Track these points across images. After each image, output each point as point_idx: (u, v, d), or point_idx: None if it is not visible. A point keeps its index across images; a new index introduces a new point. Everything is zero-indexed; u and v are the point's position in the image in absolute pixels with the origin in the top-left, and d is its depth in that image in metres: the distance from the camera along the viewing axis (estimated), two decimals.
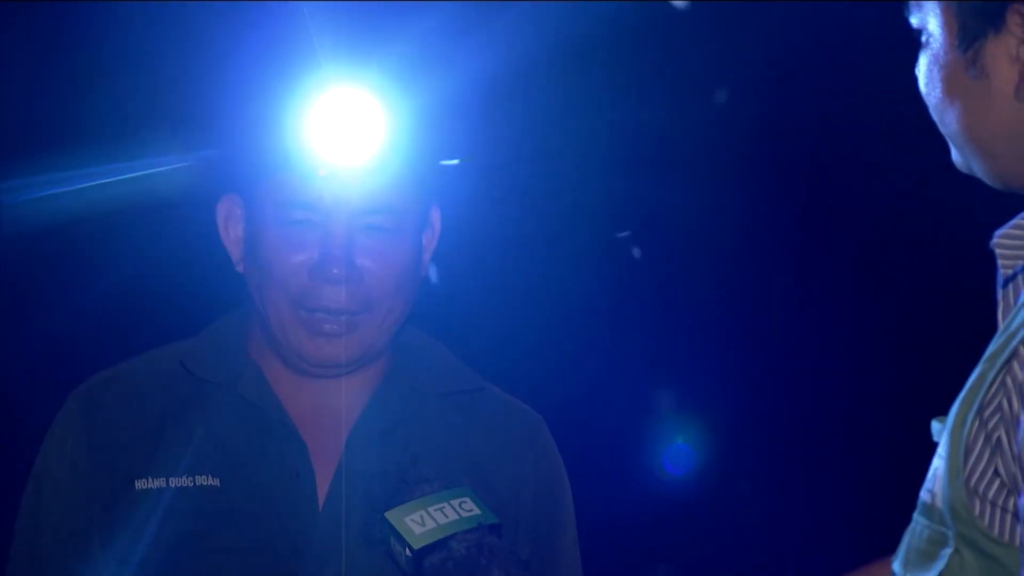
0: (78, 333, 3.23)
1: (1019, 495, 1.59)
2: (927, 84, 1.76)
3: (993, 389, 1.60)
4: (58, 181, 2.85)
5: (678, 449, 3.70)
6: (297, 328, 2.24)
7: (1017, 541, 1.60)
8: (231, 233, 2.31)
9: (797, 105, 3.63)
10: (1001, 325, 1.70)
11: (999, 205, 1.78)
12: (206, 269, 2.65)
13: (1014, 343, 1.60)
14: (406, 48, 2.38)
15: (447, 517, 2.22)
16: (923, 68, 1.77)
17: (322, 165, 2.19)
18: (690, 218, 3.85)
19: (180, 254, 3.20)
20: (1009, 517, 1.61)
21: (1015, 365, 1.59)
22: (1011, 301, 1.71)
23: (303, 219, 2.22)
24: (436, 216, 2.34)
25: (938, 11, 1.73)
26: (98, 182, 2.80)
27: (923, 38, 1.77)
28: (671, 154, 3.65)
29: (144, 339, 2.44)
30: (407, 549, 2.17)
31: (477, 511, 2.23)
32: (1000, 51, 1.69)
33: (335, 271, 2.22)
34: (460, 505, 2.24)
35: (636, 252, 3.80)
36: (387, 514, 2.21)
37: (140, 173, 2.74)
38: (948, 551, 1.65)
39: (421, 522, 2.21)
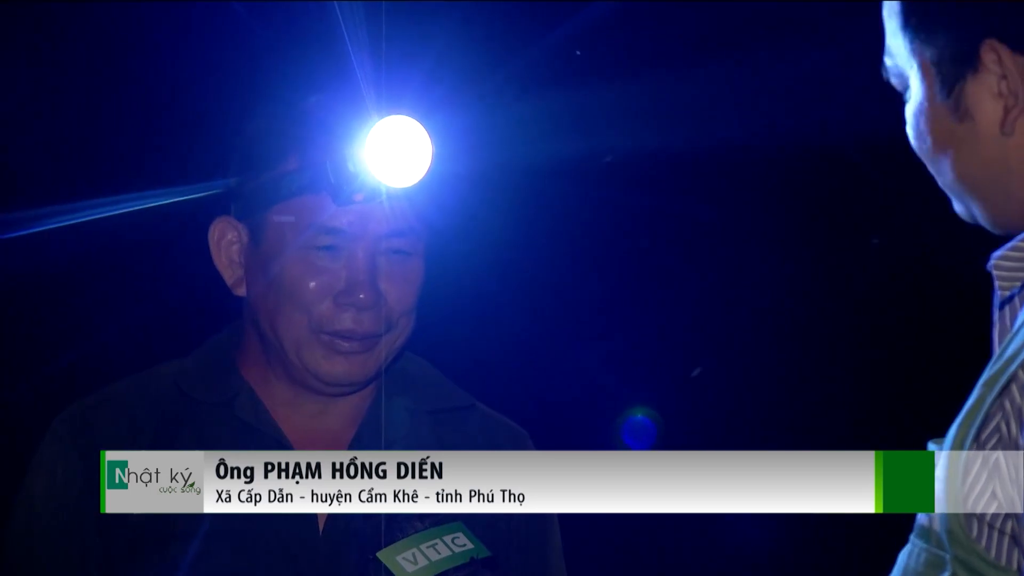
0: (54, 357, 3.22)
1: (1018, 518, 1.59)
2: (916, 138, 1.78)
3: (991, 413, 1.61)
4: (60, 193, 2.85)
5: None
6: (314, 349, 2.24)
7: (1015, 565, 1.60)
8: (224, 256, 2.31)
9: (793, 106, 3.65)
10: (997, 348, 1.71)
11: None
12: (190, 289, 2.65)
13: (1013, 367, 1.61)
14: (447, 72, 2.39)
15: (439, 554, 2.22)
16: (910, 123, 1.79)
17: (362, 192, 2.20)
18: (682, 220, 3.86)
19: (165, 273, 3.20)
20: (1007, 540, 1.61)
21: (1014, 389, 1.60)
22: (1007, 324, 1.71)
23: (330, 244, 2.23)
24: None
25: (915, 64, 1.75)
26: (103, 203, 2.79)
27: (906, 97, 1.79)
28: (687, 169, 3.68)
29: (121, 362, 2.44)
30: None
31: (470, 545, 2.23)
32: (981, 90, 1.71)
33: (361, 296, 2.22)
34: (452, 540, 2.24)
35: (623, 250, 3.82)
36: (379, 553, 2.21)
37: (146, 197, 2.73)
38: (946, 574, 1.65)
39: (413, 560, 2.21)
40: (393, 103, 2.20)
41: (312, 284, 2.22)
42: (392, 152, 2.17)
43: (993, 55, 1.69)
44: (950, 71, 1.72)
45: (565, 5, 3.38)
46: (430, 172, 2.19)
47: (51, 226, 2.75)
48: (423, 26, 3.00)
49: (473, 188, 2.39)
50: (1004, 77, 1.69)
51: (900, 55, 1.78)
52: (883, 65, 1.82)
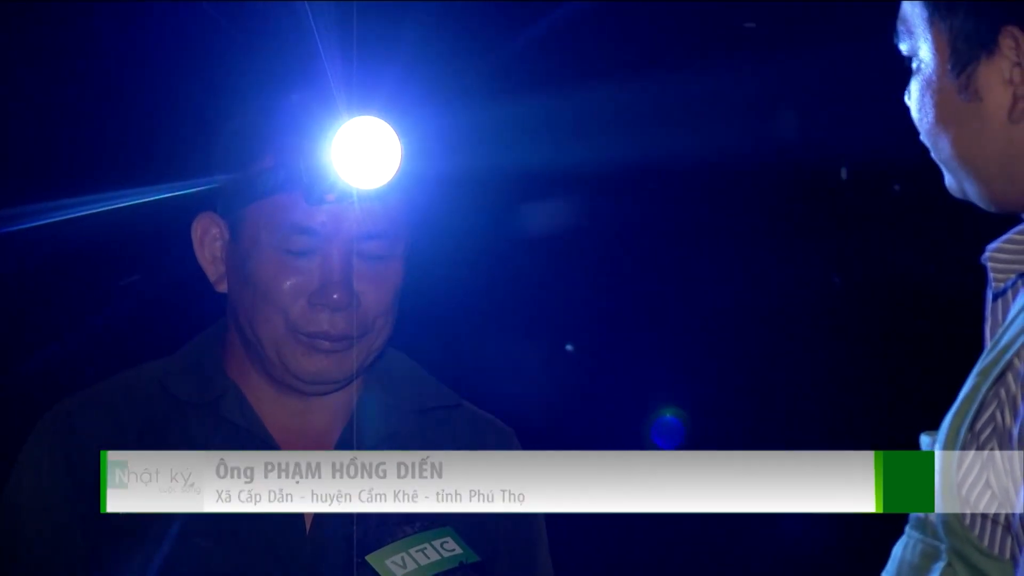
0: (41, 356, 3.21)
1: (1014, 509, 1.61)
2: (919, 110, 1.79)
3: (986, 402, 1.63)
4: (45, 189, 2.84)
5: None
6: (294, 348, 2.24)
7: (1008, 555, 1.62)
8: (207, 252, 2.31)
9: (788, 105, 3.68)
10: (989, 341, 1.73)
11: (985, 220, 1.81)
12: (176, 286, 2.64)
13: (1008, 355, 1.63)
14: (417, 74, 2.40)
15: (428, 558, 2.22)
16: (914, 94, 1.79)
17: (333, 191, 2.21)
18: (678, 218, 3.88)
19: (151, 270, 3.19)
20: (1000, 530, 1.63)
21: (1009, 377, 1.62)
22: (999, 317, 1.73)
23: (303, 244, 2.24)
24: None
25: (929, 37, 1.76)
26: (83, 202, 2.78)
27: (913, 64, 1.80)
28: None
29: (107, 360, 2.44)
30: None
31: (459, 550, 2.23)
32: (993, 74, 1.72)
33: (335, 296, 2.22)
34: (442, 545, 2.24)
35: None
36: (368, 557, 2.21)
37: (130, 194, 2.72)
38: (941, 564, 1.67)
39: (402, 564, 2.21)
40: (364, 104, 2.20)
41: (286, 284, 2.22)
42: (361, 153, 2.19)
43: (1011, 42, 1.70)
44: (965, 50, 1.72)
45: (535, 6, 3.40)
46: (400, 173, 2.21)
47: (36, 223, 2.75)
48: (395, 27, 3.01)
49: (444, 189, 2.40)
50: (1018, 64, 1.70)
51: (915, 24, 1.78)
52: (896, 30, 1.82)
